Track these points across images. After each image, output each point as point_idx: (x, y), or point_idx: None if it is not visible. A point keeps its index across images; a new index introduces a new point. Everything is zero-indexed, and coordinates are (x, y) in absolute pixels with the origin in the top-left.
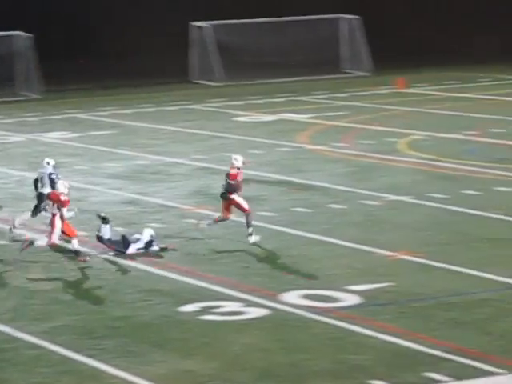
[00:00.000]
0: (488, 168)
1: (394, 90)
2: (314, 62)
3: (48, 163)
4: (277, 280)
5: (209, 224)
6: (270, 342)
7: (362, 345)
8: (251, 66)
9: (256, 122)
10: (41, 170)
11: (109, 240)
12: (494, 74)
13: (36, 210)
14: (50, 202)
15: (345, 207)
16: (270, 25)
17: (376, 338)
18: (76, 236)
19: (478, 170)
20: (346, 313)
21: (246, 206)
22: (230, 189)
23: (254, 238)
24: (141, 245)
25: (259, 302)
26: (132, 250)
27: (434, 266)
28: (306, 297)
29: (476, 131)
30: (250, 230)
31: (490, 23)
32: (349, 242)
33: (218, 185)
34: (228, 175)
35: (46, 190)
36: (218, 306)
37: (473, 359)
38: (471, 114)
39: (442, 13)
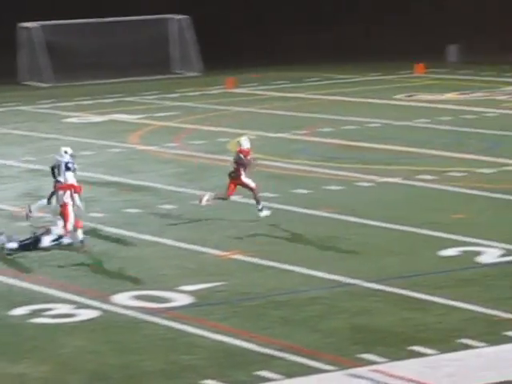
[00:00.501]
0: (318, 167)
1: (224, 90)
2: (144, 62)
3: (66, 152)
4: (108, 281)
5: (207, 200)
6: (102, 343)
7: (194, 345)
8: (81, 67)
9: (86, 123)
10: (58, 159)
11: (20, 246)
12: (321, 74)
13: (51, 198)
14: (61, 192)
15: (176, 207)
16: (100, 25)
17: (208, 337)
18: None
19: (308, 169)
20: (177, 313)
21: (252, 184)
22: (242, 165)
23: (264, 213)
24: (54, 237)
25: (90, 303)
26: (46, 242)
27: (265, 265)
28: (138, 298)
29: (305, 130)
30: (260, 206)
31: (317, 23)
32: (180, 242)
33: (49, 187)
34: (240, 152)
35: (62, 178)
36: (49, 309)
37: (304, 357)
38: (300, 114)
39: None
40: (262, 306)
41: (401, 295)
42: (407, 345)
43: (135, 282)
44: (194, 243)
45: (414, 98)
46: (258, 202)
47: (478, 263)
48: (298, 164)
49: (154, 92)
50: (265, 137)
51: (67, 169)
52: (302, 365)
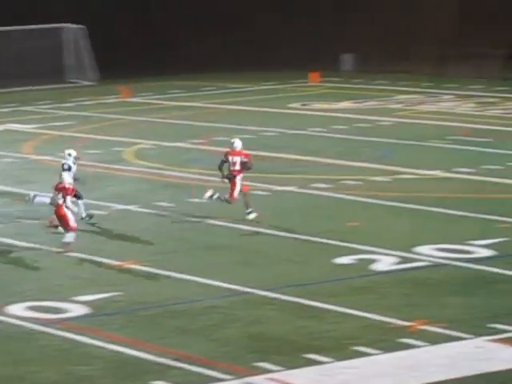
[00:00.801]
0: (214, 176)
1: (120, 99)
2: (39, 71)
3: (70, 154)
4: (1, 292)
5: (210, 197)
6: None
7: (90, 355)
8: None
9: None
10: (68, 160)
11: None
12: (216, 83)
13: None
14: (56, 192)
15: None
16: None
17: (104, 347)
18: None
19: (205, 178)
20: (73, 324)
21: (239, 188)
22: (245, 167)
23: (251, 216)
24: None
25: None
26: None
27: (161, 275)
28: (32, 309)
29: (202, 140)
30: (249, 210)
31: (204, 31)
32: (76, 252)
33: None
34: (242, 155)
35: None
36: None
37: (200, 366)
38: (197, 123)
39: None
40: (157, 316)
41: (296, 303)
42: (303, 353)
43: (30, 293)
44: (90, 253)
45: (308, 106)
46: (247, 206)
47: (372, 271)
48: (194, 173)
49: (49, 101)
50: (161, 146)
51: (64, 170)
52: (198, 374)
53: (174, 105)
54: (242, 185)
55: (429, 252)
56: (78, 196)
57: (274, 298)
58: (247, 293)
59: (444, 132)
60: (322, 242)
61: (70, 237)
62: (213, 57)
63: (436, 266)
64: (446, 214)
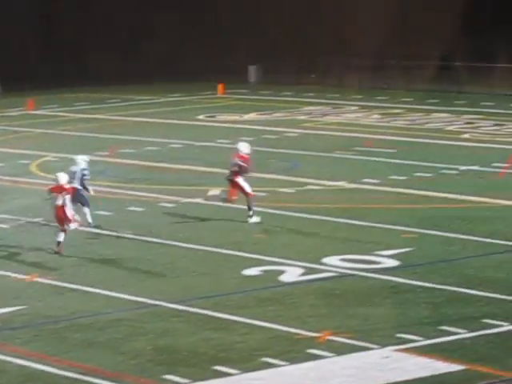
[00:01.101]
0: (120, 188)
1: (24, 112)
2: None
3: (85, 160)
4: None
5: (213, 196)
6: None
7: None
8: None
9: None
10: (74, 166)
11: None
12: (122, 95)
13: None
14: (53, 194)
15: None
16: None
17: (10, 362)
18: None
19: (110, 191)
20: None
21: (249, 189)
22: (240, 170)
23: (254, 219)
24: None
25: None
26: None
27: (68, 288)
28: None
29: (107, 152)
30: (251, 212)
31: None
32: None
33: None
34: (239, 157)
35: (76, 184)
36: None
37: (108, 379)
38: (102, 135)
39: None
40: (64, 329)
41: (204, 315)
42: (211, 365)
43: None
44: None
45: (216, 118)
46: (249, 208)
47: (280, 282)
48: (99, 185)
49: None
50: (66, 158)
51: (82, 175)
52: None
53: (80, 117)
54: (243, 187)
55: (335, 263)
56: (83, 203)
57: (182, 311)
58: (155, 305)
59: (350, 143)
60: (230, 254)
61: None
62: (119, 69)
63: (342, 276)
64: (352, 224)
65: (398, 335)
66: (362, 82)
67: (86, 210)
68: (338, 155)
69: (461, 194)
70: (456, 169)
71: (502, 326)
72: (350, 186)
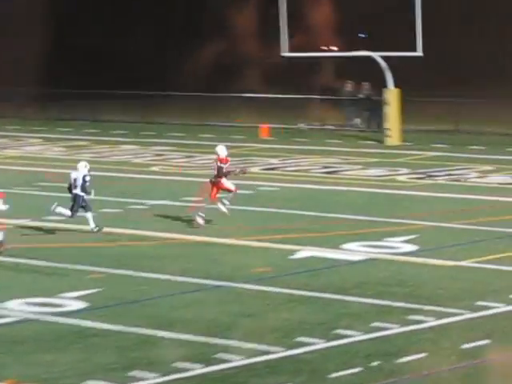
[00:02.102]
0: None
1: None
2: None
3: (85, 166)
4: None
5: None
6: None
7: None
8: None
9: None
10: (75, 172)
11: None
12: None
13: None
14: None
15: None
16: None
17: None
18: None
19: None
20: None
21: (232, 187)
22: (221, 172)
23: (223, 209)
24: None
25: None
26: None
27: None
28: None
29: None
30: (227, 202)
31: None
32: None
33: None
34: (218, 160)
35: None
36: None
37: None
38: None
39: None
40: None
41: None
42: None
43: None
44: None
45: None
46: (227, 199)
47: None
48: None
49: None
50: None
51: (84, 181)
52: None
53: None
54: (227, 187)
55: (18, 307)
56: (85, 208)
57: None
58: None
59: (31, 178)
60: None
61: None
62: None
63: (25, 321)
64: (35, 266)
65: (87, 382)
66: (45, 113)
67: (89, 215)
68: (18, 191)
69: (150, 230)
70: (144, 203)
71: (193, 369)
72: (34, 224)
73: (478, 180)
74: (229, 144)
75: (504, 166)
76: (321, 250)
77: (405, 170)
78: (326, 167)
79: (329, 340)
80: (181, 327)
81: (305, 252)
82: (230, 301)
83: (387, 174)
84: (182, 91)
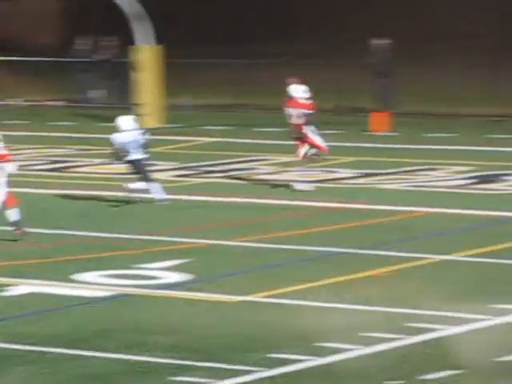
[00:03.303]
0: None
1: None
2: None
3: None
4: None
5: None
6: None
7: None
8: None
9: None
10: (120, 136)
11: None
12: None
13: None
14: None
15: None
16: None
17: None
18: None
19: None
20: None
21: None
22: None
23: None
24: None
25: None
26: None
27: None
28: None
29: None
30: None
31: None
32: None
33: None
34: (302, 106)
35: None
36: None
37: None
38: None
39: None
40: None
41: None
42: None
43: None
44: None
45: None
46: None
47: None
48: None
49: None
50: None
51: None
52: None
53: None
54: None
55: None
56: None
57: None
58: None
59: None
60: None
61: None
62: None
63: None
64: None
65: None
66: None
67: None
68: None
69: None
70: None
71: None
72: None
73: (271, 177)
74: None
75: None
76: (46, 284)
77: (166, 165)
78: (52, 162)
79: None
80: None
81: (22, 288)
82: None
83: None
84: None
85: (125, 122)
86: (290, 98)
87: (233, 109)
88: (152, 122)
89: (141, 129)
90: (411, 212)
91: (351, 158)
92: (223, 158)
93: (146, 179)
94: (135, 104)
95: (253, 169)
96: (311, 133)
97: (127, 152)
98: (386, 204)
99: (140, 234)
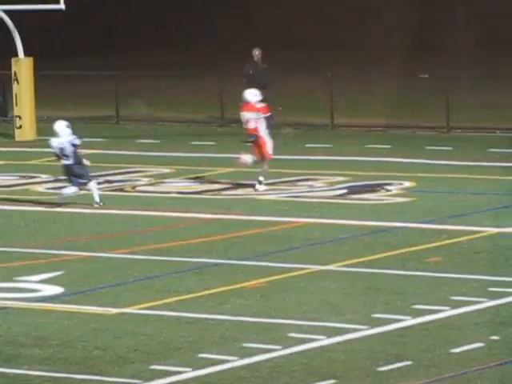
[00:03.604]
0: None
1: None
2: None
3: (67, 126)
4: None
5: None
6: None
7: None
8: None
9: None
10: (56, 140)
11: None
12: None
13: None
14: None
15: None
16: None
17: None
18: None
19: None
20: None
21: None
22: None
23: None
24: None
25: None
26: None
27: None
28: None
29: None
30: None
31: None
32: None
33: None
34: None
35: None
36: None
37: None
38: None
39: None
40: None
41: None
42: None
43: None
44: None
45: None
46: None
47: None
48: None
49: None
50: None
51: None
52: None
53: None
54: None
55: None
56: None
57: None
58: None
59: None
60: None
61: None
62: None
63: None
64: None
65: None
66: None
67: (92, 185)
68: None
69: None
70: None
71: None
72: None
73: (149, 188)
74: None
75: (184, 168)
76: None
77: (45, 177)
78: None
79: None
80: None
81: None
82: None
83: (19, 182)
84: None
85: (59, 127)
86: (246, 102)
87: (106, 120)
88: (28, 135)
89: (73, 134)
90: (290, 222)
91: (228, 170)
92: (100, 170)
93: (78, 183)
94: (16, 116)
95: (130, 180)
96: (267, 137)
97: (62, 156)
98: (265, 215)
99: (19, 247)
